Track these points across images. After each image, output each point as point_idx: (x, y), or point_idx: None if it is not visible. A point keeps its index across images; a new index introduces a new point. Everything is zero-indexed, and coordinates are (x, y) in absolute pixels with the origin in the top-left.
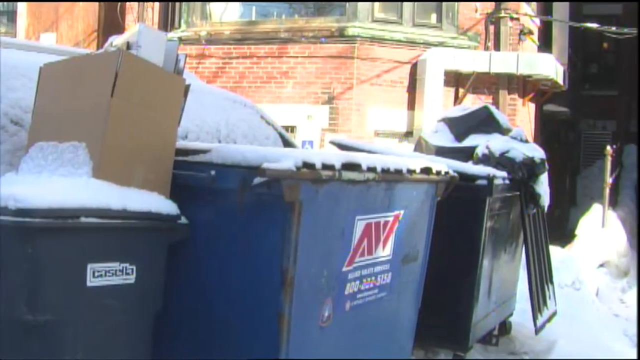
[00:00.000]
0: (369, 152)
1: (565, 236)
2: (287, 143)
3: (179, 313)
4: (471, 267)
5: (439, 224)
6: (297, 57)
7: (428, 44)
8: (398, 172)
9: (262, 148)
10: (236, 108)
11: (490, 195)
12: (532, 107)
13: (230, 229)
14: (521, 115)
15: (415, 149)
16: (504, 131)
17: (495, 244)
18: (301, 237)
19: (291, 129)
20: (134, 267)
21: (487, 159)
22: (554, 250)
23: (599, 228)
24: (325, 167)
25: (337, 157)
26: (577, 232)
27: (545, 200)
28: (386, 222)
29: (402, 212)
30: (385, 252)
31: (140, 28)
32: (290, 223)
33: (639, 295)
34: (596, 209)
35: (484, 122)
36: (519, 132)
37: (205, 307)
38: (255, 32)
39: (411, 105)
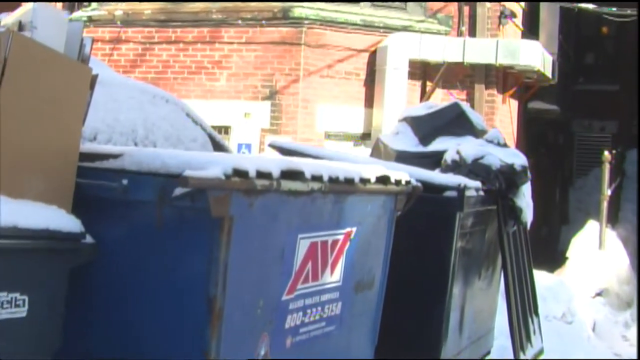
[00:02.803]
0: (316, 157)
1: (554, 259)
2: (218, 146)
3: (83, 351)
4: (439, 296)
5: (399, 243)
6: (232, 43)
7: (389, 29)
8: (349, 181)
9: (186, 152)
10: (157, 104)
11: (461, 209)
12: (514, 104)
13: (146, 250)
14: (501, 114)
15: (372, 154)
16: (478, 133)
17: (468, 268)
18: (231, 259)
19: (225, 129)
20: (26, 298)
21: (458, 166)
22: (540, 276)
23: (596, 250)
24: (261, 175)
25: (276, 164)
26: (568, 254)
27: (528, 215)
28: (335, 242)
29: (354, 229)
30: (333, 277)
31: (35, 5)
32: (218, 242)
33: (638, 296)
34: (592, 226)
35: (454, 122)
36: (496, 134)
37: (114, 345)
38: (182, 13)
39: (369, 101)
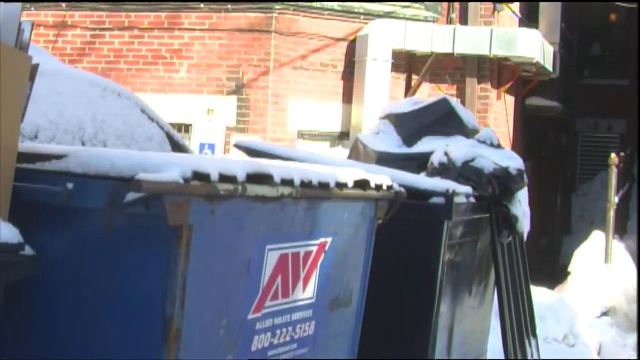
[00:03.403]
0: (287, 159)
1: (555, 274)
2: (177, 146)
3: None
4: (424, 315)
5: (380, 255)
6: (193, 29)
7: (371, 15)
8: (324, 186)
9: (139, 153)
10: (108, 98)
11: (450, 217)
12: (510, 100)
13: (94, 263)
14: (495, 111)
15: (350, 156)
16: (469, 132)
17: (457, 284)
18: (191, 273)
19: (185, 127)
20: None
21: (446, 170)
22: (539, 293)
23: (601, 264)
24: (225, 178)
25: (241, 166)
26: (570, 268)
27: (524, 224)
28: (308, 254)
29: (329, 239)
30: (306, 293)
31: None
32: (176, 254)
33: (638, 297)
34: (597, 237)
35: (442, 120)
36: (489, 134)
37: None
38: None
39: (347, 97)
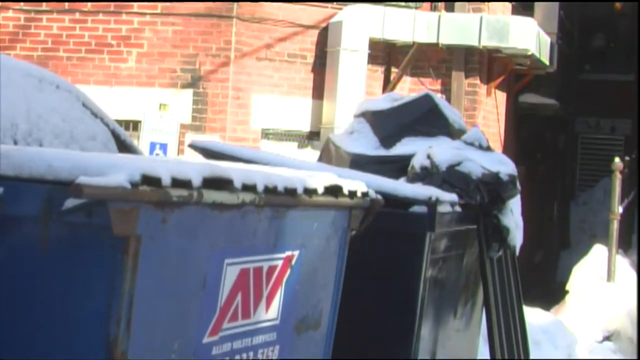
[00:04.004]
0: (249, 161)
1: (551, 293)
2: (124, 146)
3: None
4: (403, 338)
5: (354, 271)
6: (144, 14)
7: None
8: (290, 192)
9: (80, 154)
10: (44, 91)
11: (432, 228)
12: (501, 97)
13: (28, 278)
14: (485, 110)
15: (321, 159)
16: (454, 133)
17: (441, 303)
18: (138, 290)
19: (134, 125)
20: None
21: (429, 175)
22: (533, 314)
23: (603, 282)
24: (178, 183)
25: (197, 169)
26: (569, 287)
27: (517, 237)
28: (272, 269)
29: (296, 253)
30: (270, 313)
31: None
32: (122, 269)
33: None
34: (599, 252)
35: (425, 118)
36: (478, 134)
37: None
38: None
39: (318, 91)
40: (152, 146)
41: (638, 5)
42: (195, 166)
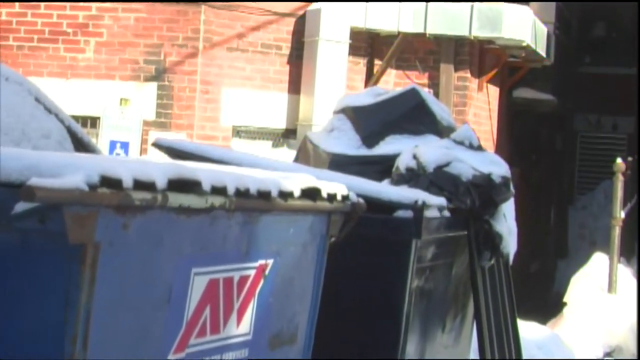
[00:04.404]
0: (219, 162)
1: (547, 305)
2: (82, 145)
3: None
4: (387, 354)
5: (333, 282)
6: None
7: None
8: (264, 195)
9: (32, 153)
10: None
11: (419, 235)
12: (494, 92)
13: None
14: (476, 105)
15: (298, 159)
16: (442, 131)
17: (428, 316)
18: (97, 303)
19: (92, 121)
20: None
21: (415, 176)
22: (529, 328)
23: (604, 293)
24: (141, 185)
25: (162, 170)
26: (567, 298)
27: (510, 244)
28: (244, 279)
29: (270, 261)
30: (241, 328)
31: None
32: (78, 280)
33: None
34: (599, 261)
35: (410, 115)
36: (468, 133)
37: None
38: None
39: (295, 85)
40: (112, 145)
41: (638, 5)
42: (160, 167)
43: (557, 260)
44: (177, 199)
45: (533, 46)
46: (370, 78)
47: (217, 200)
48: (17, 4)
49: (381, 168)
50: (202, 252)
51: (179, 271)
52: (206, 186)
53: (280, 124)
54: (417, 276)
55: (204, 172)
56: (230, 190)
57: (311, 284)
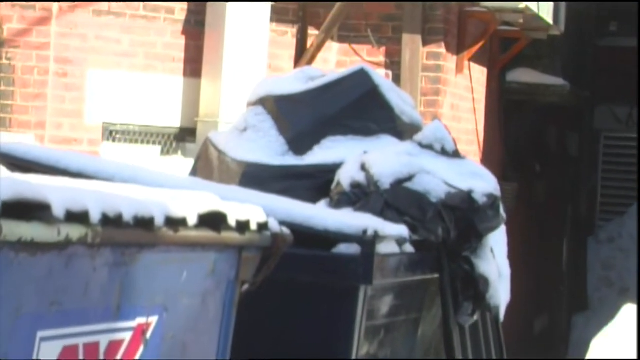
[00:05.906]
0: (80, 176)
1: None
2: None
3: None
4: None
5: (246, 348)
6: None
7: None
8: (144, 224)
9: None
10: None
11: (369, 279)
12: (479, 73)
13: None
14: (453, 94)
15: (197, 170)
16: (404, 129)
17: None
18: None
19: None
20: None
21: (364, 195)
22: None
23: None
24: None
25: None
26: None
27: (500, 293)
28: (115, 345)
29: (153, 319)
30: None
31: None
32: None
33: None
34: (630, 314)
35: (358, 107)
36: (440, 132)
37: None
38: None
39: (193, 65)
40: None
41: (638, 5)
42: None
43: (572, 315)
44: (16, 229)
45: (535, 9)
46: (303, 54)
47: (75, 232)
48: None
49: (315, 184)
50: (53, 308)
51: (18, 335)
52: (58, 211)
53: (173, 121)
54: (367, 339)
55: (56, 191)
56: (95, 216)
57: (214, 351)
